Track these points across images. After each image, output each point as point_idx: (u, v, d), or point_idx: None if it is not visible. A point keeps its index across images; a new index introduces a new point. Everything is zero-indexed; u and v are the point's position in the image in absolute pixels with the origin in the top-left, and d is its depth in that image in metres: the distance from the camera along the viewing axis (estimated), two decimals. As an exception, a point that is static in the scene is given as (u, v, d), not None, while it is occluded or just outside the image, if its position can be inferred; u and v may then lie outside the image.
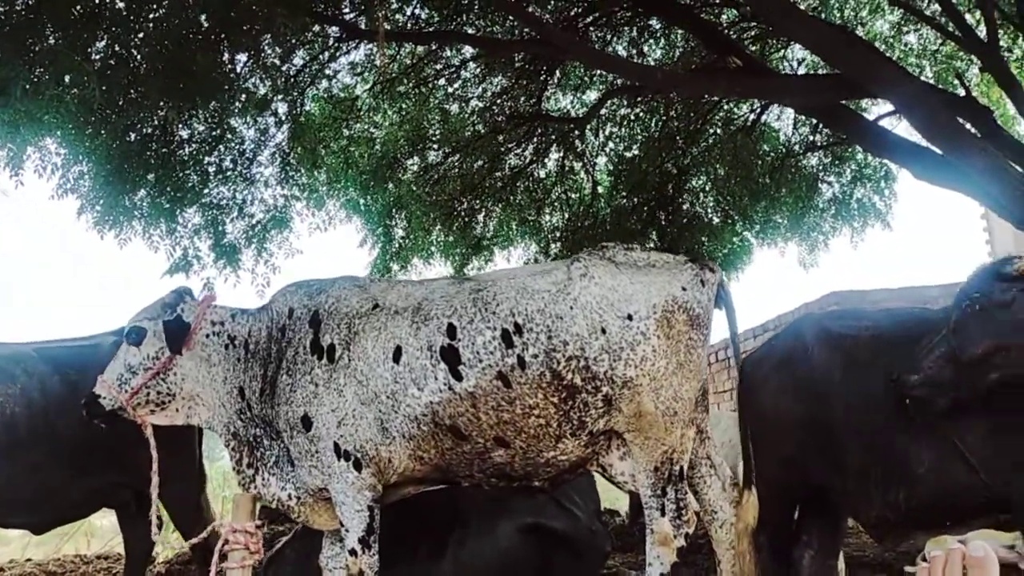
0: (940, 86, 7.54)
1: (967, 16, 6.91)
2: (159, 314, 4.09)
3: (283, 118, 7.95)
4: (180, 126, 7.13)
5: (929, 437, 2.90)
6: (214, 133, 7.46)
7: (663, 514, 3.63)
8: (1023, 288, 2.50)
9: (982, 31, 6.36)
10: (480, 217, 9.48)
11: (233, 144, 7.80)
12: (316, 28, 7.37)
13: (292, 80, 7.67)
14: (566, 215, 9.72)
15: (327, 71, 8.08)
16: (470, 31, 7.99)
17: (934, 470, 2.89)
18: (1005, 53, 7.58)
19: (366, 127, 8.86)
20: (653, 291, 3.75)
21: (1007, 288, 2.48)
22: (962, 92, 6.63)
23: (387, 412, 3.72)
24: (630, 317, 3.68)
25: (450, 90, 8.79)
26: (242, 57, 6.76)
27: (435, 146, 8.98)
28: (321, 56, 7.83)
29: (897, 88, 5.29)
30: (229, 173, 7.86)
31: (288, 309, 4.07)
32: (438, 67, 8.47)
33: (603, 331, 3.66)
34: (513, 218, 9.66)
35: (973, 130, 6.14)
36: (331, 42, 7.76)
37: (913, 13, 7.42)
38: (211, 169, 7.68)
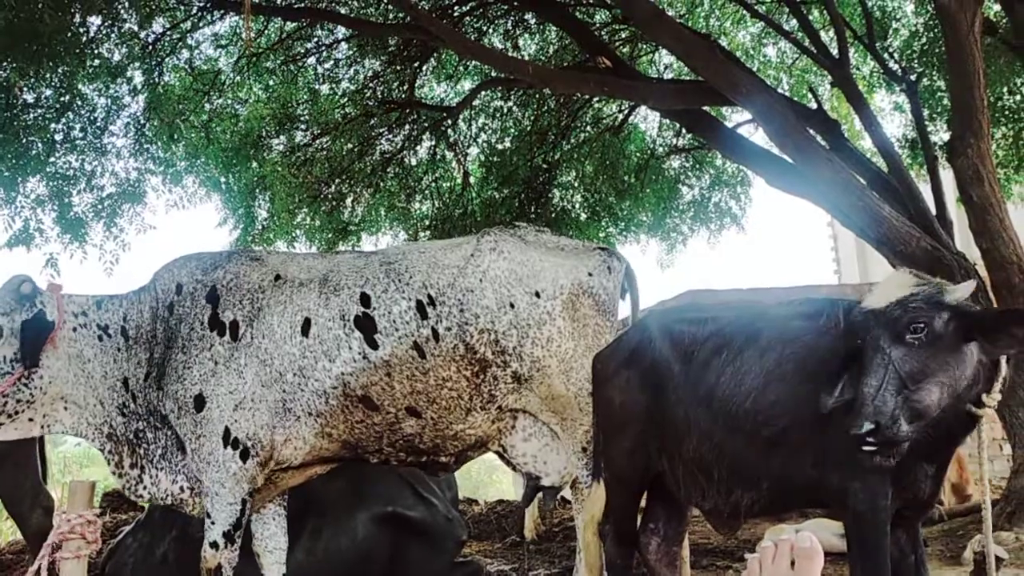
0: (795, 98, 7.95)
1: (822, 33, 7.29)
2: (13, 308, 3.64)
3: (139, 87, 7.55)
4: (25, 89, 6.66)
5: (766, 438, 3.02)
6: (62, 99, 7.02)
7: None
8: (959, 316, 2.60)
9: (835, 48, 6.75)
10: (348, 201, 9.31)
11: (83, 112, 7.36)
12: (179, -5, 7.04)
13: (150, 48, 7.30)
14: (436, 204, 9.68)
15: (189, 41, 7.74)
16: (343, 11, 7.83)
17: (773, 470, 3.01)
18: (854, 70, 8.07)
19: (229, 102, 8.54)
20: (561, 272, 3.77)
21: (948, 319, 2.59)
22: (814, 105, 7.03)
23: (292, 391, 3.61)
24: (537, 294, 3.70)
25: (320, 70, 8.59)
26: (95, 20, 6.37)
27: (303, 126, 8.75)
28: (183, 25, 7.48)
29: (754, 97, 5.54)
30: (78, 142, 7.41)
31: (175, 285, 3.81)
32: (308, 45, 8.26)
33: (511, 306, 3.67)
34: (382, 204, 9.54)
35: (823, 142, 6.52)
36: (194, 11, 7.42)
37: (773, 27, 7.78)
38: (58, 137, 7.22)
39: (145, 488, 3.77)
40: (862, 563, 2.77)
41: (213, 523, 3.61)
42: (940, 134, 7.49)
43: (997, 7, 6.62)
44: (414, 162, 9.48)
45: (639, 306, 4.21)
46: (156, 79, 7.51)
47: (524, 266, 3.75)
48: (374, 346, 3.61)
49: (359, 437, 3.71)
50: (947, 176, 5.94)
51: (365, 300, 3.68)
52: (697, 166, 9.22)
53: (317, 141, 8.71)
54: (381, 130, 8.84)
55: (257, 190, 8.78)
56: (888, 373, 2.50)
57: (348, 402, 3.62)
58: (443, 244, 3.97)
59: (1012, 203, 7.92)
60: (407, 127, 8.97)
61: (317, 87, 8.69)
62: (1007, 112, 7.74)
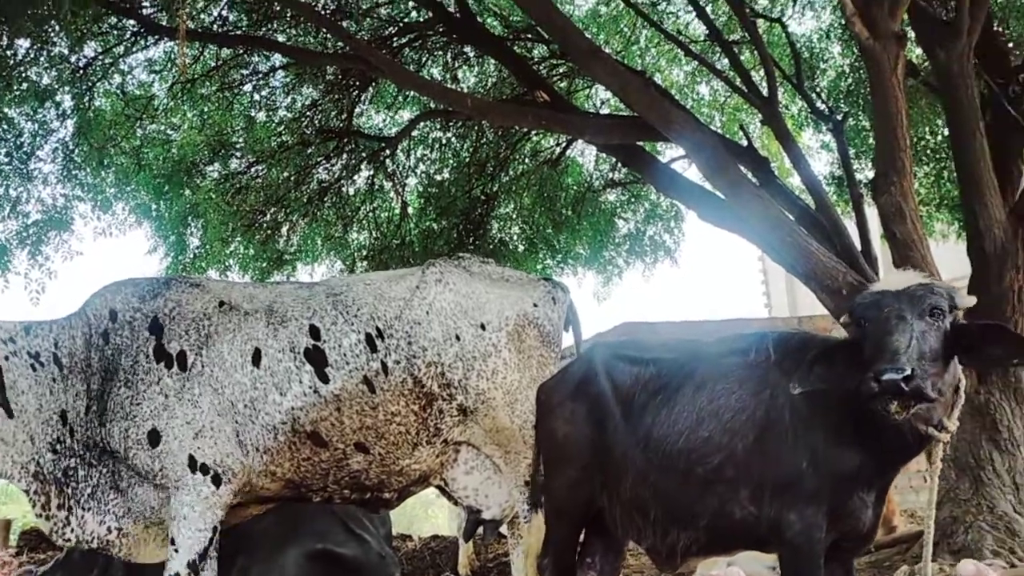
0: (727, 135, 8.14)
1: (753, 73, 7.50)
2: None
3: (68, 112, 7.37)
4: (-55, 111, 6.46)
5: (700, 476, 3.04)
6: (-14, 123, 6.81)
7: None
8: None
9: (765, 88, 6.95)
10: (284, 230, 9.18)
11: (9, 137, 7.16)
12: (112, 20, 6.91)
13: (81, 72, 7.13)
14: (374, 234, 9.62)
15: (121, 66, 7.59)
16: (280, 39, 7.78)
17: (709, 508, 3.03)
18: (784, 109, 8.31)
19: (162, 128, 8.40)
20: (506, 304, 3.78)
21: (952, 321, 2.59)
22: (745, 142, 7.21)
23: (243, 423, 3.52)
24: (483, 327, 3.71)
25: (256, 97, 8.50)
26: (23, 43, 6.21)
27: (238, 154, 8.63)
28: (116, 49, 7.34)
29: (685, 133, 5.65)
30: (3, 167, 7.19)
31: (109, 311, 3.67)
32: (244, 72, 8.16)
33: (457, 338, 3.67)
34: (319, 233, 9.44)
35: (753, 178, 6.67)
36: (127, 35, 7.29)
37: (705, 66, 7.97)
38: (-19, 162, 7.00)
39: (72, 530, 3.58)
40: (795, 595, 2.80)
41: (177, 551, 3.44)
42: (865, 172, 7.74)
43: (920, 51, 6.90)
44: (351, 192, 9.42)
45: (582, 337, 4.23)
46: (86, 104, 7.34)
47: (469, 298, 3.76)
48: (325, 380, 3.55)
49: (304, 475, 3.64)
50: (872, 213, 6.12)
51: (314, 332, 3.62)
52: (633, 200, 9.36)
53: (252, 169, 8.60)
54: (318, 159, 8.77)
55: (189, 217, 8.61)
56: (914, 337, 2.47)
57: (296, 438, 3.55)
58: (388, 275, 3.97)
59: (934, 239, 8.22)
60: (345, 156, 8.92)
61: (253, 114, 8.59)
62: (929, 152, 8.06)
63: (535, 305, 3.87)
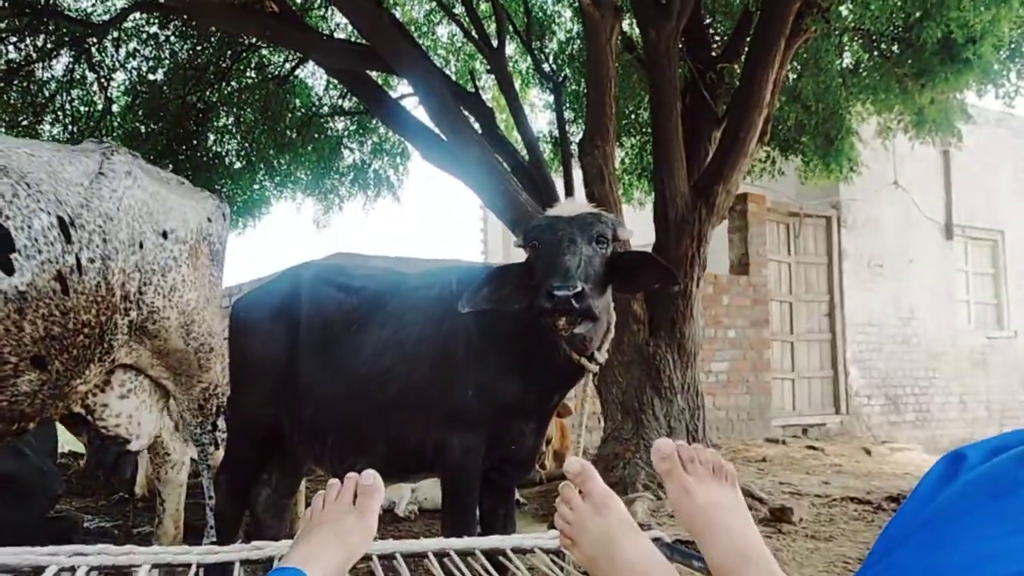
0: (459, 82, 8.27)
1: (486, 24, 7.65)
2: None
3: None
4: None
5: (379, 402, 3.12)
6: None
7: (217, 447, 3.44)
8: None
9: (496, 40, 7.13)
10: (-42, 109, 8.02)
11: None
12: None
13: None
14: (70, 128, 8.67)
15: None
16: None
17: (387, 433, 3.11)
18: (513, 65, 8.59)
19: None
20: (189, 213, 3.43)
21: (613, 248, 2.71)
22: (472, 89, 7.37)
23: None
24: (165, 235, 3.31)
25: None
26: None
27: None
28: None
29: (415, 70, 5.68)
30: None
31: None
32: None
33: (141, 245, 3.21)
34: (3, 119, 8.33)
35: (477, 126, 6.86)
36: None
37: (442, 7, 8.01)
38: None
39: None
40: (451, 515, 2.98)
41: None
42: (578, 135, 8.24)
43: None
44: (47, 77, 8.40)
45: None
46: None
47: (157, 200, 3.32)
48: (8, 270, 2.75)
49: None
50: (579, 172, 6.54)
51: None
52: (360, 131, 9.23)
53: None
54: (8, 35, 7.71)
55: None
56: (582, 260, 2.56)
57: None
58: (50, 148, 3.22)
59: (632, 205, 8.98)
60: (41, 37, 7.92)
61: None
62: (638, 124, 8.74)
63: (209, 220, 3.59)
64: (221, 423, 3.63)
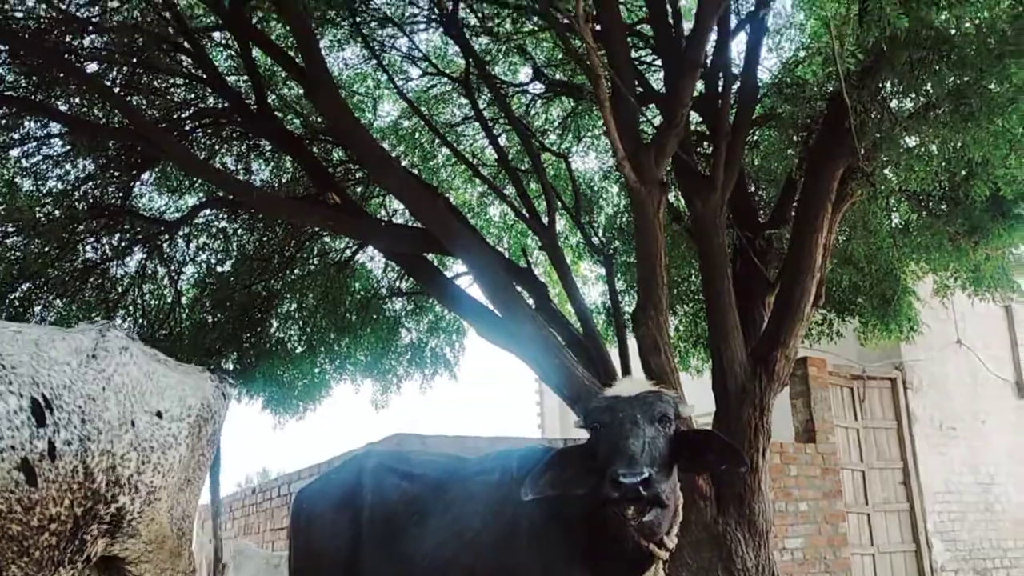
0: (512, 258, 8.49)
1: (536, 202, 7.92)
2: None
3: None
4: None
5: None
6: None
7: None
8: None
9: (547, 217, 7.35)
10: (36, 309, 8.40)
11: None
12: None
13: None
14: (140, 321, 9.01)
15: None
16: (61, 106, 7.36)
17: None
18: (563, 239, 8.83)
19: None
20: (188, 391, 3.35)
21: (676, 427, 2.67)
22: (524, 265, 7.54)
23: None
24: (159, 415, 3.19)
25: (26, 164, 7.89)
26: None
27: (-7, 221, 7.88)
28: None
29: (468, 250, 5.84)
30: None
31: None
32: (15, 136, 7.59)
33: (132, 424, 3.04)
34: (78, 316, 8.71)
35: (530, 301, 6.96)
36: None
37: (494, 190, 8.35)
38: None
39: None
40: None
41: None
42: (630, 305, 8.30)
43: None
44: (120, 274, 8.84)
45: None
46: None
47: (151, 379, 3.21)
48: None
49: None
50: (634, 343, 6.53)
51: None
52: (417, 310, 9.44)
53: (8, 239, 7.88)
54: (85, 236, 8.19)
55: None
56: (646, 442, 2.48)
57: None
58: (39, 331, 3.09)
59: (688, 373, 8.86)
60: (117, 236, 8.40)
61: (18, 181, 7.94)
62: (689, 292, 8.78)
63: (208, 399, 3.50)
64: None
